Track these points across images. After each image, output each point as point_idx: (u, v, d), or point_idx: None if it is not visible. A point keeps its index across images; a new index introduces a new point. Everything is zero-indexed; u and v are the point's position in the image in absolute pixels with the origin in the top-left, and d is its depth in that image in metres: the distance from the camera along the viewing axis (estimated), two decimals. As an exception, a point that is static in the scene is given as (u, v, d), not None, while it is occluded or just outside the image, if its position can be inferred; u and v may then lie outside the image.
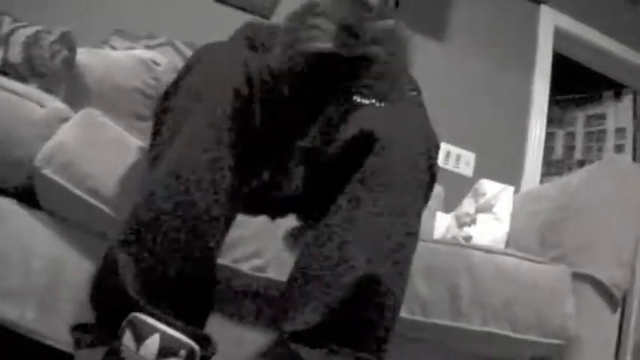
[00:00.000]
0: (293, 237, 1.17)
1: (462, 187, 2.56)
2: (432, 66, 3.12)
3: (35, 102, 1.24)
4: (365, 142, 1.01)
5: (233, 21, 2.82)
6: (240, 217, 1.12)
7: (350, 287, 0.89)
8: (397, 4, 1.71)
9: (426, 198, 1.07)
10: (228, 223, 1.05)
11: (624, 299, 3.14)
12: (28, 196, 1.22)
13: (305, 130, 1.31)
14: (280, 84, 1.22)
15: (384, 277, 0.91)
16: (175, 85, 1.04)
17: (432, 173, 1.06)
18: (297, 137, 1.30)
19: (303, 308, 0.91)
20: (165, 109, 1.02)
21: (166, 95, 1.04)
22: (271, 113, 1.14)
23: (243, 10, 2.95)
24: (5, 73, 1.60)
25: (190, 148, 0.94)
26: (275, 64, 1.24)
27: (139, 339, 0.81)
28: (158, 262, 0.88)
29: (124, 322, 0.83)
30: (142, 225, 0.89)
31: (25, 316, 1.13)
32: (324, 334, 0.89)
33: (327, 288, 0.90)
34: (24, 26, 1.76)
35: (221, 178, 0.95)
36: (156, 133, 1.02)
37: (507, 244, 1.68)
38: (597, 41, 3.70)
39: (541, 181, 3.22)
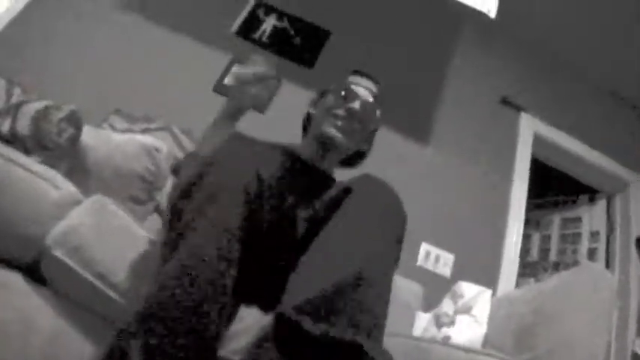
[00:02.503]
0: None
1: (440, 286, 2.62)
2: (416, 168, 3.26)
3: (50, 183, 1.29)
4: (342, 196, 1.20)
5: (229, 111, 2.95)
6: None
7: (345, 277, 1.00)
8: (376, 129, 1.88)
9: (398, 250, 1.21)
10: (231, 317, 1.11)
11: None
12: (33, 271, 1.25)
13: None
14: (283, 189, 1.34)
15: (372, 276, 1.04)
16: (191, 186, 1.10)
17: (401, 235, 1.22)
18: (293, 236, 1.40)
19: (301, 290, 1.01)
20: (180, 209, 1.08)
21: (182, 196, 1.10)
22: (276, 216, 1.25)
23: (239, 101, 3.04)
24: (9, 142, 1.65)
25: (203, 245, 1.00)
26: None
27: None
28: (164, 351, 0.91)
29: None
30: (151, 316, 0.93)
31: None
32: (323, 309, 0.97)
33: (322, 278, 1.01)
34: (33, 100, 1.83)
35: (229, 277, 1.01)
36: (171, 228, 1.08)
37: (484, 345, 1.72)
38: (573, 148, 3.85)
39: (517, 282, 3.23)
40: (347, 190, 1.21)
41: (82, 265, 1.20)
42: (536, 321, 1.50)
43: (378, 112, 1.77)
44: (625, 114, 4.18)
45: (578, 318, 1.42)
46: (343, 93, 1.70)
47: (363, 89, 1.73)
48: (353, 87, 1.72)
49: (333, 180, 1.73)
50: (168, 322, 0.93)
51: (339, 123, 1.66)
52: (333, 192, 1.27)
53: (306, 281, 1.03)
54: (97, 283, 1.19)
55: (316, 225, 1.21)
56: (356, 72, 1.79)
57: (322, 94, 1.82)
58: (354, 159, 1.85)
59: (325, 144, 1.68)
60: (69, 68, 2.86)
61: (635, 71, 3.92)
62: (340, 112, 1.67)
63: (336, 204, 1.20)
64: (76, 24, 3.04)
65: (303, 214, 1.37)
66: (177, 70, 3.04)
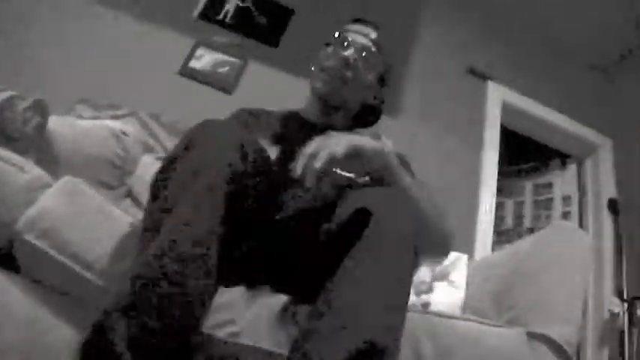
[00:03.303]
0: (283, 313, 1.19)
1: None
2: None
3: (17, 167, 1.26)
4: (360, 220, 1.07)
5: (197, 94, 2.94)
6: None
7: (354, 351, 0.89)
8: (384, 83, 1.79)
9: (415, 269, 1.15)
10: (214, 292, 1.10)
11: (578, 355, 3.23)
12: (6, 259, 1.22)
13: (282, 202, 1.38)
14: (270, 166, 1.31)
15: (387, 344, 0.94)
16: (173, 161, 1.09)
17: (417, 251, 1.13)
18: (276, 208, 1.37)
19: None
20: (164, 182, 1.07)
21: (163, 171, 1.09)
22: (261, 192, 1.22)
23: (206, 84, 3.04)
24: (-26, 136, 1.62)
25: (187, 220, 0.99)
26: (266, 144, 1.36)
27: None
28: (148, 327, 0.90)
29: None
30: (136, 292, 0.92)
31: (-1, 381, 1.12)
32: None
33: (331, 350, 0.91)
34: (-3, 91, 1.79)
35: (213, 252, 1.00)
36: (153, 202, 1.07)
37: (463, 309, 1.74)
38: (542, 114, 3.91)
39: (492, 250, 3.27)
40: (364, 213, 1.08)
41: (55, 247, 1.17)
42: (513, 281, 1.51)
43: (378, 59, 1.69)
44: (592, 77, 4.24)
45: (554, 276, 1.43)
46: (338, 42, 1.65)
47: (361, 36, 1.67)
48: (347, 34, 1.67)
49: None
50: (155, 298, 0.91)
51: (329, 75, 1.61)
52: (346, 211, 1.13)
53: (318, 353, 0.92)
54: (72, 264, 1.17)
55: (329, 242, 1.14)
56: (353, 20, 1.74)
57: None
58: (365, 116, 1.79)
59: (322, 101, 1.65)
60: (32, 59, 2.80)
61: (600, 34, 3.97)
62: (331, 63, 1.62)
63: (354, 227, 1.07)
64: (42, 14, 2.98)
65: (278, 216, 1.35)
66: (142, 57, 3.00)
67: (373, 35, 1.69)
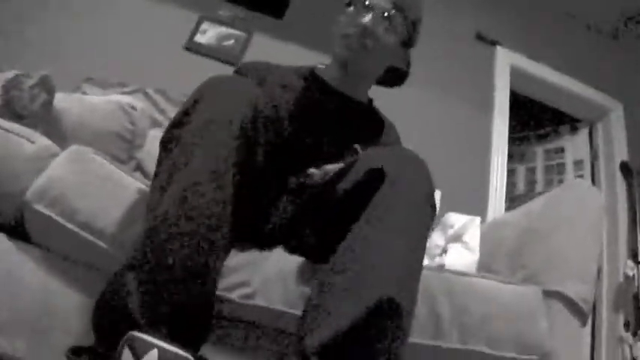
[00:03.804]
0: (296, 273, 1.19)
1: (429, 224, 2.62)
2: (394, 110, 3.22)
3: (25, 138, 1.26)
4: (374, 180, 1.06)
5: (203, 68, 2.93)
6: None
7: (372, 306, 0.89)
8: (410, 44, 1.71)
9: (429, 233, 1.13)
10: (227, 252, 1.09)
11: (594, 318, 3.23)
12: (17, 229, 1.22)
13: (299, 167, 1.36)
14: (283, 120, 1.29)
15: (403, 301, 0.93)
16: (183, 115, 1.08)
17: (434, 210, 1.13)
18: (290, 173, 1.36)
19: (327, 321, 0.91)
20: (173, 139, 1.06)
21: (175, 125, 1.08)
22: (272, 149, 1.21)
23: (212, 57, 3.03)
24: (-19, 114, 1.61)
25: (197, 177, 0.98)
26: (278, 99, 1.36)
27: (137, 356, 0.82)
28: (162, 285, 0.90)
29: (123, 340, 0.85)
30: (149, 249, 0.92)
31: (15, 347, 1.12)
32: (349, 347, 0.89)
33: (350, 304, 0.90)
34: (2, 71, 1.79)
35: (224, 208, 0.99)
36: (162, 162, 1.07)
37: (478, 270, 1.73)
38: (551, 78, 3.87)
39: (505, 215, 3.26)
40: (379, 173, 1.07)
41: (64, 215, 1.17)
42: (527, 240, 1.50)
43: (401, 21, 1.59)
44: (601, 41, 4.19)
45: (568, 233, 1.43)
46: (359, 3, 1.56)
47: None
48: None
49: (368, 105, 1.67)
50: (168, 253, 0.91)
51: (350, 42, 1.54)
52: (364, 165, 1.11)
53: (329, 313, 0.92)
54: (82, 232, 1.17)
55: (343, 202, 1.13)
56: None
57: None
58: (391, 79, 1.74)
59: (344, 67, 1.59)
60: (37, 39, 2.80)
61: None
62: (350, 30, 1.54)
63: (368, 187, 1.07)
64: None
65: (295, 179, 1.34)
66: (147, 33, 3.01)
67: None
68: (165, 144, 1.08)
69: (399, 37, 1.61)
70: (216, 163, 1.01)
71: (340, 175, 1.17)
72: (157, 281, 0.90)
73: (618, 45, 4.19)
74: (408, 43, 1.66)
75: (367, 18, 1.52)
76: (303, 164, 1.36)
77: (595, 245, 1.45)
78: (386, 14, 1.54)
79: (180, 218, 0.94)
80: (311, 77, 1.64)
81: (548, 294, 1.33)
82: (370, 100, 1.74)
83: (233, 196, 1.02)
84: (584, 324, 1.36)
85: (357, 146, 1.39)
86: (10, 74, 1.78)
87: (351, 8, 1.58)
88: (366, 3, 1.55)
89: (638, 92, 3.90)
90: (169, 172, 1.01)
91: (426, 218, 1.10)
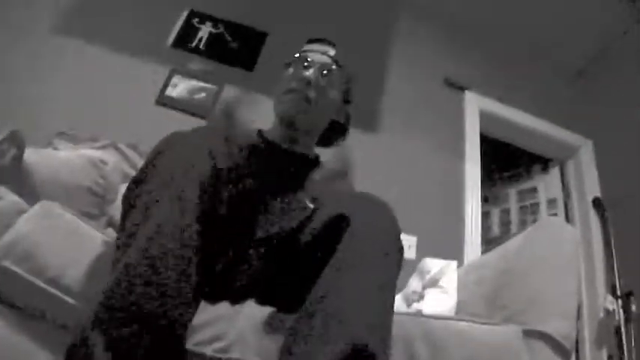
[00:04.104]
0: (269, 324, 1.17)
1: (406, 270, 2.60)
2: (368, 156, 3.24)
3: (-8, 195, 1.23)
4: (338, 226, 1.07)
5: (173, 122, 2.92)
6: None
7: (345, 352, 0.87)
8: (348, 99, 1.77)
9: (398, 275, 1.12)
10: (196, 306, 1.07)
11: (577, 355, 3.21)
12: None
13: (259, 220, 1.35)
14: (243, 173, 1.29)
15: (376, 346, 0.91)
16: (144, 172, 1.07)
17: (401, 251, 1.14)
18: (254, 226, 1.35)
19: None
20: (136, 195, 1.05)
21: (136, 182, 1.07)
22: (235, 201, 1.21)
23: (184, 111, 3.04)
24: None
25: (161, 231, 0.96)
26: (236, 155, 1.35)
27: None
28: (128, 340, 0.88)
29: None
30: (113, 304, 0.90)
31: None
32: None
33: (323, 352, 0.88)
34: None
35: (189, 262, 0.98)
36: (125, 218, 1.05)
37: (457, 313, 1.72)
38: (520, 120, 3.93)
39: (481, 259, 3.26)
40: (343, 219, 1.08)
41: (33, 272, 1.15)
42: (504, 281, 1.50)
43: (340, 76, 1.67)
44: (567, 81, 4.28)
45: (545, 271, 1.43)
46: (298, 63, 1.63)
47: (320, 54, 1.66)
48: (306, 54, 1.65)
49: (313, 160, 1.67)
50: (132, 310, 0.89)
51: (293, 98, 1.58)
52: (327, 213, 1.13)
53: (307, 357, 0.90)
54: (51, 289, 1.15)
55: (309, 251, 1.14)
56: (311, 40, 1.73)
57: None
58: (331, 135, 1.76)
59: (288, 124, 1.61)
60: (7, 93, 2.79)
61: (573, 36, 4.02)
62: (293, 84, 1.59)
63: (332, 234, 1.07)
64: (13, 47, 2.98)
65: (260, 232, 1.33)
66: (118, 88, 3.00)
67: (332, 52, 1.68)
68: (128, 199, 1.07)
69: (340, 90, 1.69)
70: (181, 216, 1.00)
71: (304, 224, 1.18)
72: (122, 336, 0.88)
73: (584, 84, 4.28)
74: (347, 98, 1.74)
75: (309, 72, 1.59)
76: (266, 218, 1.36)
77: (573, 281, 1.44)
78: (325, 71, 1.62)
79: (146, 270, 0.92)
80: (259, 137, 1.66)
81: (529, 333, 1.31)
82: (317, 156, 1.74)
83: (198, 249, 1.01)
84: (567, 360, 1.35)
85: (307, 202, 1.39)
86: (-23, 130, 1.76)
87: (291, 69, 1.65)
88: (308, 60, 1.63)
89: (606, 128, 3.95)
90: (132, 229, 1.00)
91: (393, 261, 1.09)
